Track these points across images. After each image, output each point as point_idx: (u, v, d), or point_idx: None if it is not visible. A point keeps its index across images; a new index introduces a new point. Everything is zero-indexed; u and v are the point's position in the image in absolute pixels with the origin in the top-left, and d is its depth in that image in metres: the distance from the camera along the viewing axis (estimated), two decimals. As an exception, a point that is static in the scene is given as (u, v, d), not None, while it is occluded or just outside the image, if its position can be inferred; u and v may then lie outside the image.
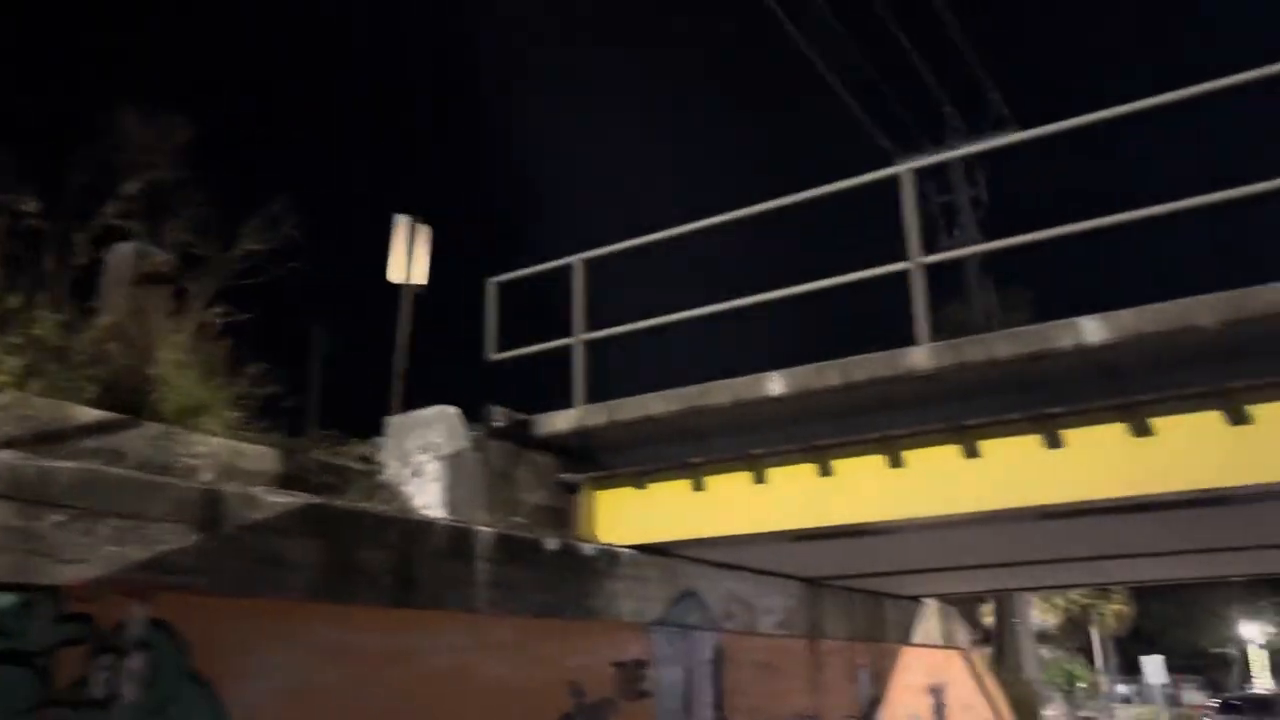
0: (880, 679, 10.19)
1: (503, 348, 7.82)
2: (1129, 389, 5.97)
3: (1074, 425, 6.10)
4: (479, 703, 5.71)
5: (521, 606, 6.19)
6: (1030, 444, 6.23)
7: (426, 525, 5.52)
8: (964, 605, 21.65)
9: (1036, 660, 22.37)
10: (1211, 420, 5.74)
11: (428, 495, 6.03)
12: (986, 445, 6.37)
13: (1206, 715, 29.11)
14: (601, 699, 6.68)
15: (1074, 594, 28.91)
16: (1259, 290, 5.42)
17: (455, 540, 5.71)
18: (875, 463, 6.72)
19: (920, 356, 6.21)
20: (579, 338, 7.45)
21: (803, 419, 6.85)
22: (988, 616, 20.75)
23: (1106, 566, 12.21)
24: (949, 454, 6.47)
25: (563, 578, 6.58)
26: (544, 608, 6.38)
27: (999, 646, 19.63)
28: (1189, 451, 5.83)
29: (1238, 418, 5.66)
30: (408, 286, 7.23)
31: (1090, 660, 33.45)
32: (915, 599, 11.50)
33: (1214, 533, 8.13)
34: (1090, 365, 5.93)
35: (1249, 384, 5.59)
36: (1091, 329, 5.75)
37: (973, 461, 6.42)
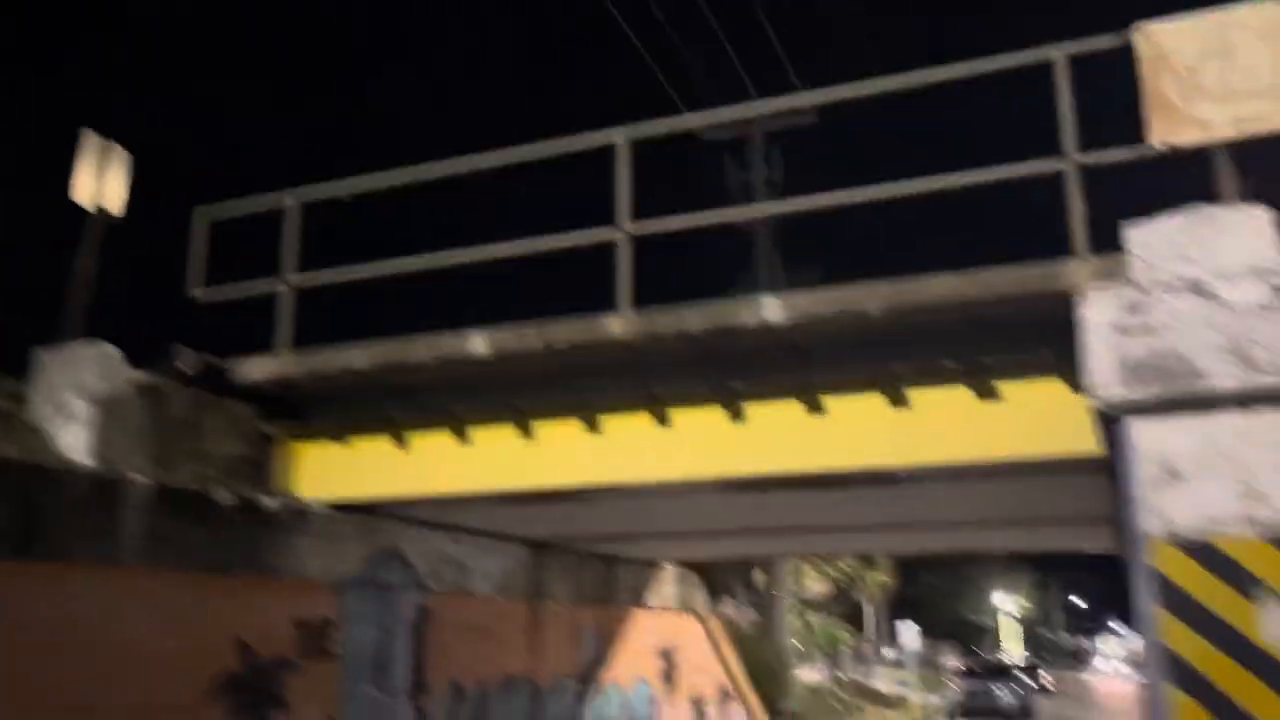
0: (606, 641, 10.35)
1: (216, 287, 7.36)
2: (807, 369, 6.18)
3: (756, 400, 6.28)
4: (118, 659, 5.37)
5: (184, 562, 5.86)
6: (716, 417, 6.38)
7: (58, 473, 5.11)
8: (740, 572, 22.53)
9: (793, 626, 23.52)
10: (876, 403, 6.02)
11: (74, 440, 5.60)
12: (678, 415, 6.47)
13: (954, 678, 31.51)
14: (277, 659, 6.43)
15: (843, 564, 30.55)
16: (925, 281, 5.69)
17: (97, 490, 5.32)
18: (575, 428, 6.72)
19: (617, 324, 6.23)
20: (286, 280, 7.10)
21: (506, 380, 6.77)
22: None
23: (848, 537, 12.90)
24: (643, 423, 6.54)
25: (238, 533, 6.27)
26: (213, 564, 6.06)
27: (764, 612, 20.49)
28: (857, 431, 6.10)
29: (898, 401, 5.95)
30: (94, 211, 6.68)
31: (859, 626, 35.52)
32: (652, 563, 11.74)
33: (904, 509, 8.65)
34: (773, 343, 6.10)
35: (911, 369, 5.88)
36: (772, 308, 5.90)
37: (665, 431, 6.51)
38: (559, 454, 6.75)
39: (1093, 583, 71.52)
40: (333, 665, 6.82)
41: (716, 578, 18.78)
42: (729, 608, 19.83)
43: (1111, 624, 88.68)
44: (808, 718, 20.15)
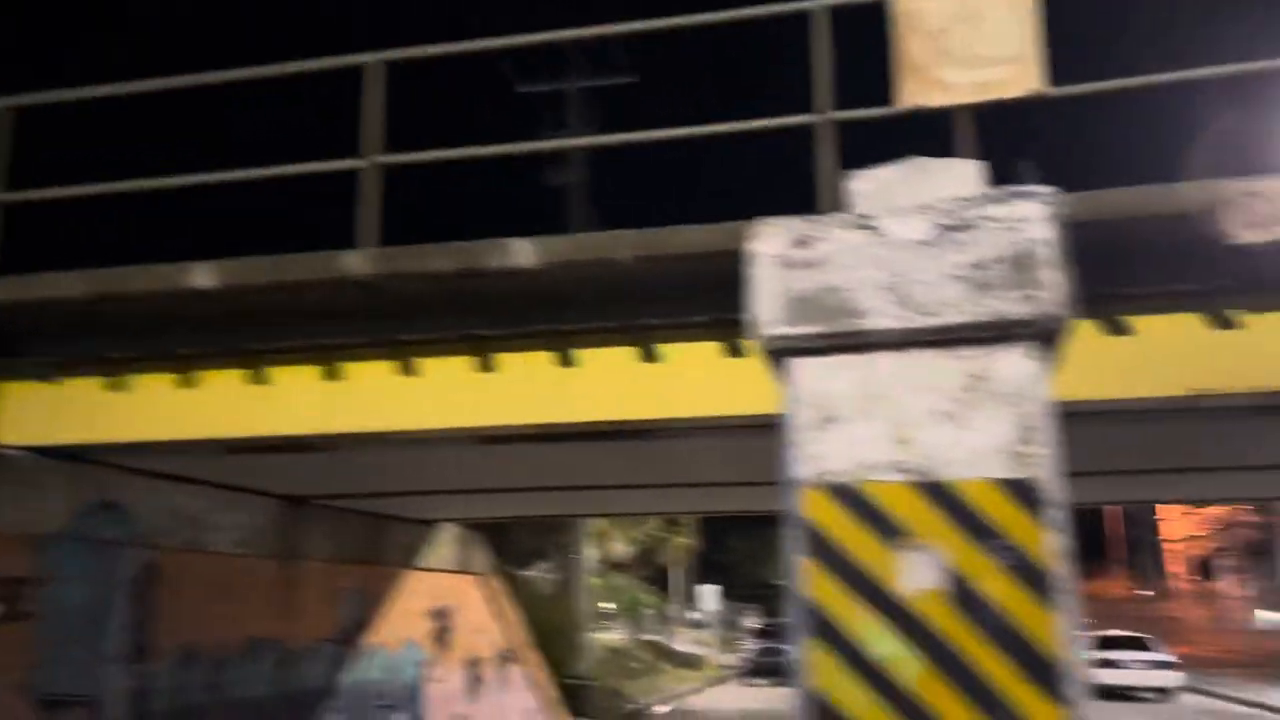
0: (371, 602, 9.91)
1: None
2: (560, 318, 5.93)
3: (507, 349, 5.99)
4: None
5: None
6: (464, 365, 6.05)
7: None
8: (550, 534, 22.37)
9: (595, 589, 23.66)
10: (628, 355, 5.84)
11: None
12: (425, 364, 6.11)
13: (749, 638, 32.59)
14: (-46, 620, 5.72)
15: (648, 528, 30.97)
16: (677, 230, 5.52)
17: None
18: (311, 373, 6.25)
19: (357, 261, 5.78)
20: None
21: (236, 319, 6.20)
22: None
23: (627, 496, 12.87)
24: (387, 370, 6.14)
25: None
26: None
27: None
28: (609, 384, 5.91)
29: (649, 355, 5.79)
30: None
31: (664, 589, 36.18)
32: (429, 523, 11.36)
33: (676, 468, 8.61)
34: (524, 289, 5.81)
35: (662, 322, 5.73)
36: (523, 251, 5.60)
37: (411, 380, 6.13)
38: (294, 401, 6.26)
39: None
40: (24, 627, 6.12)
41: (521, 540, 18.60)
42: (535, 570, 19.69)
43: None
44: (602, 679, 20.27)
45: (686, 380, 5.81)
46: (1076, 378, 5.28)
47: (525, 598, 16.01)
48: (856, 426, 2.46)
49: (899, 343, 2.48)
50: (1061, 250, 2.43)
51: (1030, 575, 2.33)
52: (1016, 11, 5.35)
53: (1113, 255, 5.10)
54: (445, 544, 11.59)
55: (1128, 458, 7.80)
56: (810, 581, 2.41)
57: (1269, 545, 32.13)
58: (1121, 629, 30.75)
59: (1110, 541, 53.77)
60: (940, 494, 2.40)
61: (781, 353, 2.57)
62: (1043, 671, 2.27)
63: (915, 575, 2.36)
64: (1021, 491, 2.37)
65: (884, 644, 2.33)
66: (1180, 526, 47.48)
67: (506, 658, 12.77)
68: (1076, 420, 5.89)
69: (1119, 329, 5.21)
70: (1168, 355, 5.13)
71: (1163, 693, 24.96)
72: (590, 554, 24.03)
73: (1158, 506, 46.90)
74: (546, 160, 22.87)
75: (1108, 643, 25.92)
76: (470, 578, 12.02)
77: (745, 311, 2.60)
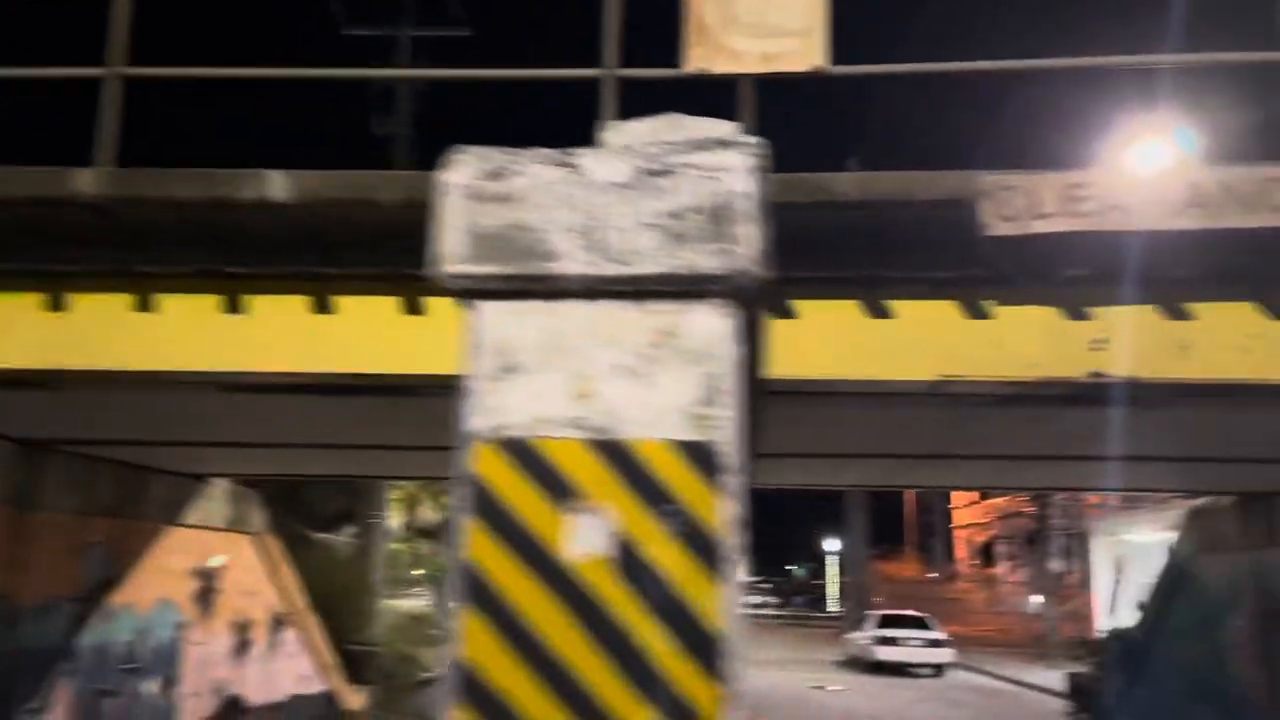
0: (123, 559, 9.18)
1: None
2: (320, 260, 5.54)
3: (258, 290, 5.55)
4: None
5: None
6: (210, 305, 5.57)
7: None
8: (354, 497, 21.53)
9: (400, 555, 23.05)
10: (389, 305, 5.52)
11: None
12: (165, 300, 5.59)
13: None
14: None
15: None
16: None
17: None
18: (32, 301, 5.62)
19: (88, 180, 5.21)
20: None
21: (-55, 236, 5.51)
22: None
23: (425, 459, 12.47)
24: (122, 304, 5.59)
25: None
26: None
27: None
28: (369, 334, 5.57)
29: (413, 306, 5.49)
30: None
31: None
32: (198, 477, 10.65)
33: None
34: (281, 226, 5.38)
35: (412, 272, 5.42)
36: (278, 183, 5.18)
37: (149, 316, 5.60)
38: (12, 330, 5.62)
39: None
40: None
41: (324, 502, 17.82)
42: (339, 534, 18.93)
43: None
44: (394, 646, 19.77)
45: (455, 335, 5.54)
46: (836, 357, 5.34)
47: (319, 561, 15.36)
48: (538, 378, 2.26)
49: (588, 291, 2.29)
50: (763, 205, 2.29)
51: (699, 544, 2.19)
52: (808, -15, 5.29)
53: (879, 238, 5.15)
54: (215, 500, 10.90)
55: (881, 442, 8.03)
56: (472, 543, 2.21)
57: (1042, 535, 34.65)
58: (909, 609, 32.54)
59: (907, 526, 56.87)
60: (616, 454, 2.23)
61: (465, 294, 2.34)
62: (704, 647, 2.14)
63: (582, 540, 2.19)
64: (699, 455, 2.23)
65: (543, 614, 2.15)
66: (968, 514, 50.62)
67: (281, 621, 12.18)
68: (838, 401, 6.03)
69: (879, 312, 5.26)
70: (923, 340, 5.22)
71: (938, 669, 26.54)
72: (397, 520, 23.41)
73: (952, 495, 49.90)
74: (374, 108, 21.93)
75: (889, 621, 27.34)
76: (243, 537, 11.36)
77: (429, 248, 2.36)
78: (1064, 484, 16.27)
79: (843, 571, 56.14)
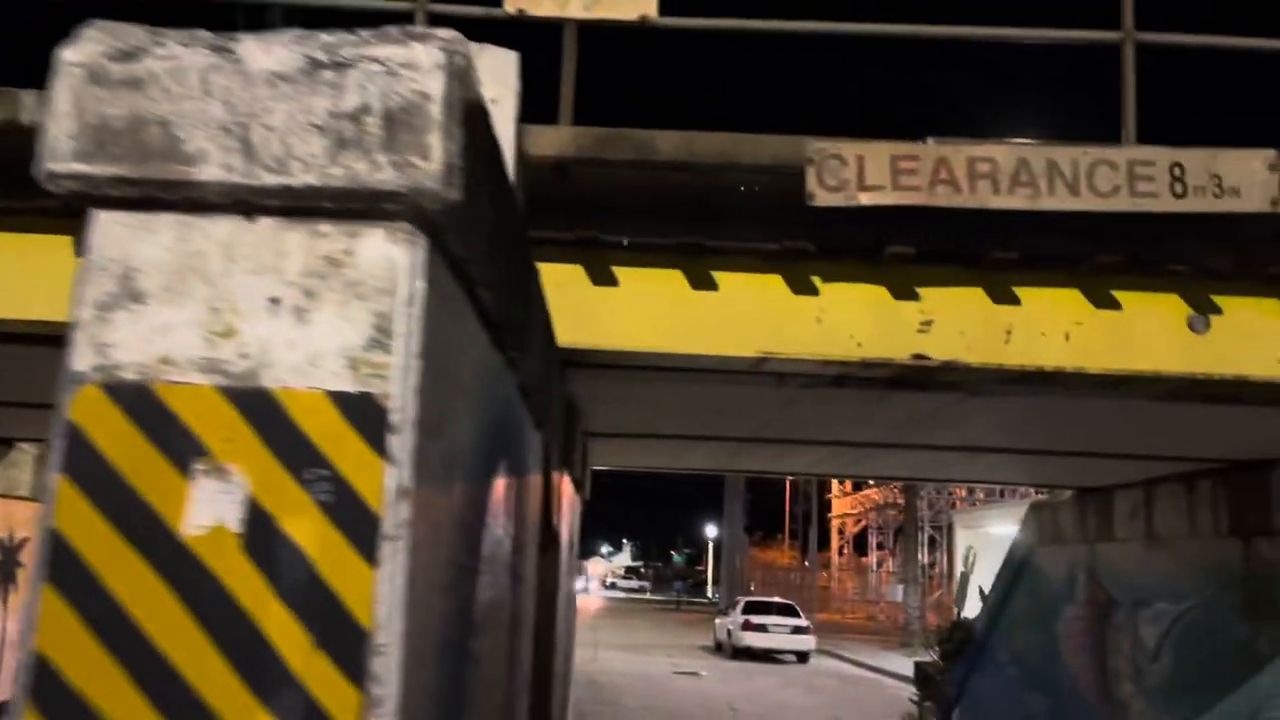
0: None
1: None
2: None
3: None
4: None
5: None
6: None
7: None
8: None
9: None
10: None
11: None
12: None
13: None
14: None
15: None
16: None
17: None
18: None
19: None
20: None
21: None
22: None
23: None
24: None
25: None
26: None
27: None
28: None
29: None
30: None
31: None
32: (5, 442, 9.77)
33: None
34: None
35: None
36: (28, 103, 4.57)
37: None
38: None
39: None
40: None
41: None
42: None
43: (601, 547, 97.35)
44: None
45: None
46: (657, 329, 5.01)
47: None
48: (166, 310, 1.83)
49: (236, 204, 1.87)
50: (460, 112, 1.90)
51: (352, 519, 1.80)
52: (640, -72, 4.92)
53: (704, 204, 4.83)
54: (23, 467, 10.02)
55: (714, 424, 7.77)
56: (60, 508, 1.76)
57: (910, 526, 35.49)
58: (783, 596, 32.88)
59: (785, 515, 57.73)
60: (257, 405, 1.82)
61: (76, 199, 1.89)
62: (348, 643, 1.75)
63: (204, 510, 1.77)
64: (361, 411, 1.83)
65: (146, 599, 1.73)
66: (842, 505, 51.65)
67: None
68: (665, 378, 5.72)
69: (703, 282, 4.96)
70: (747, 315, 4.93)
71: (803, 656, 26.87)
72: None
73: (831, 484, 50.82)
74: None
75: (756, 608, 27.54)
76: (53, 508, 10.48)
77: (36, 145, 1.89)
78: (904, 474, 16.47)
79: (719, 559, 56.71)
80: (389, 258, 1.90)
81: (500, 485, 3.11)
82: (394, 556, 1.82)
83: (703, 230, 4.86)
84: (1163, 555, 8.86)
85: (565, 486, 6.32)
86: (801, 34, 5.00)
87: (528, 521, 4.03)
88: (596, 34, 4.92)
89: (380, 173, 1.87)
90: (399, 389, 1.86)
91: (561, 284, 4.86)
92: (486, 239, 2.35)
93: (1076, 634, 9.84)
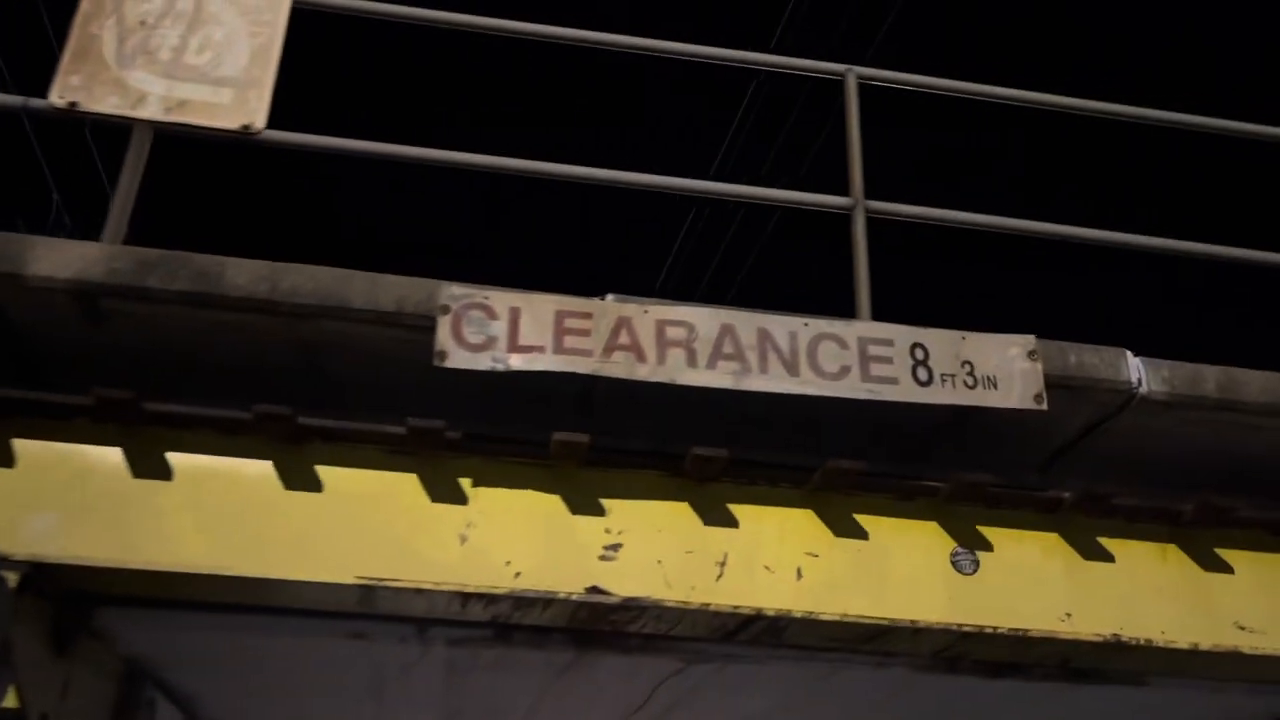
0: None
1: None
2: None
3: None
4: None
5: None
6: None
7: None
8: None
9: None
10: None
11: None
12: None
13: None
14: None
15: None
16: None
17: None
18: None
19: None
20: None
21: None
22: None
23: None
24: None
25: None
26: None
27: None
28: None
29: None
30: None
31: None
32: None
33: None
34: None
35: None
36: None
37: None
38: None
39: None
40: None
41: None
42: None
43: None
44: None
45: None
46: (232, 544, 3.47)
47: None
48: None
49: None
50: None
51: None
52: (261, 31, 3.90)
53: (313, 364, 3.50)
54: None
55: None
56: None
57: None
58: None
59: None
60: None
61: None
62: None
63: None
64: None
65: None
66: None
67: None
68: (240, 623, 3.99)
69: (303, 479, 3.51)
70: (352, 525, 3.48)
71: None
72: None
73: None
74: None
75: None
76: None
77: None
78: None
79: None
80: None
81: None
82: None
83: (306, 401, 3.49)
84: None
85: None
86: (454, 165, 3.93)
87: None
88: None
89: None
90: None
91: (87, 472, 3.34)
92: None
93: None
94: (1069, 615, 3.75)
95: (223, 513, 3.39)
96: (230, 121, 3.64)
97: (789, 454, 3.71)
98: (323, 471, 3.50)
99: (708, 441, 3.56)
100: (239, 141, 3.64)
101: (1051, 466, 4.16)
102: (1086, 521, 3.89)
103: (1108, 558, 3.89)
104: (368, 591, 3.32)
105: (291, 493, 3.47)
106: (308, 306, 3.29)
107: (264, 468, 3.48)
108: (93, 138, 11.25)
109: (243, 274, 3.28)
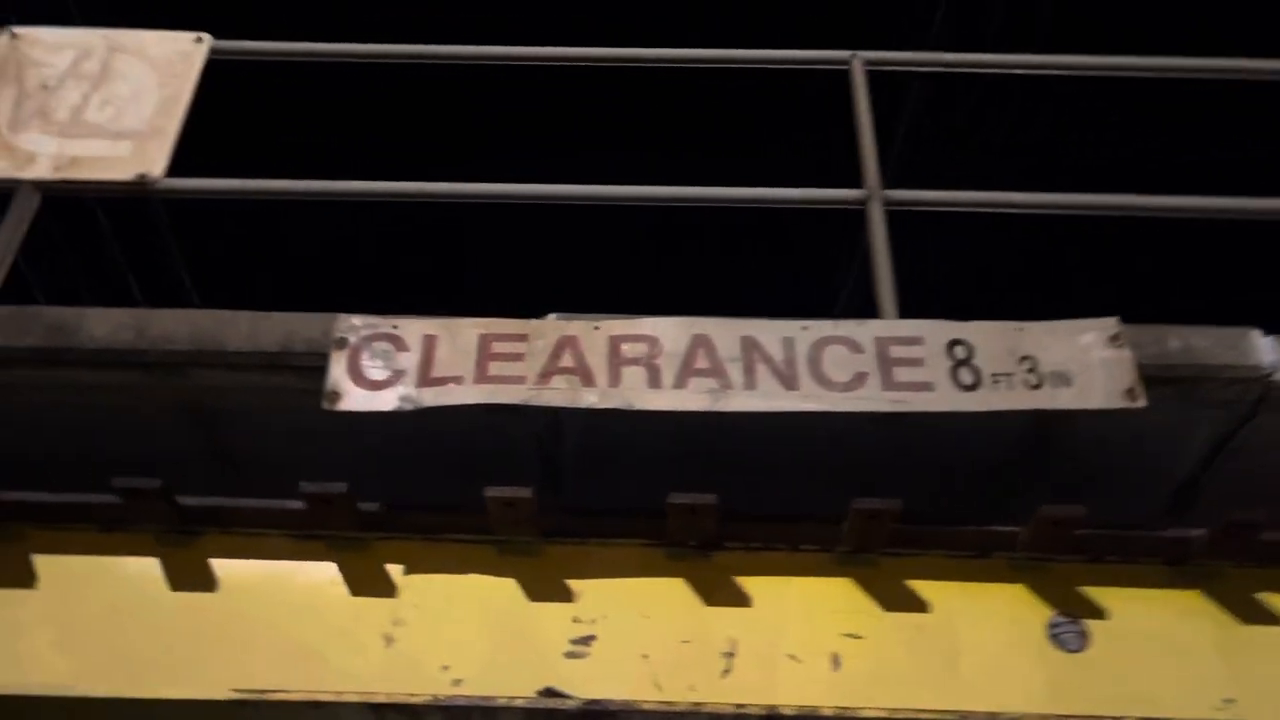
0: None
1: None
2: None
3: None
4: None
5: None
6: None
7: None
8: None
9: None
10: None
11: None
12: None
13: None
14: None
15: None
16: None
17: None
18: None
19: None
20: None
21: None
22: None
23: None
24: None
25: None
26: None
27: None
28: None
29: None
30: None
31: None
32: None
33: None
34: None
35: None
36: None
37: None
38: None
39: None
40: None
41: None
42: None
43: None
44: None
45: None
46: (109, 658, 2.77)
47: None
48: None
49: None
50: None
51: None
52: (171, 82, 3.52)
53: (209, 433, 2.88)
54: None
55: None
56: None
57: None
58: None
59: None
60: None
61: None
62: None
63: None
64: None
65: None
66: None
67: None
68: None
69: (193, 577, 2.82)
70: (257, 626, 2.75)
71: None
72: None
73: None
74: None
75: None
76: None
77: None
78: None
79: None
80: None
81: None
82: None
83: (198, 480, 2.84)
84: None
85: None
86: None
87: None
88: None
89: None
90: None
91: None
92: None
93: None
94: (1230, 701, 2.66)
95: (90, 625, 2.72)
96: (124, 173, 3.20)
97: (808, 498, 2.84)
98: (217, 566, 2.81)
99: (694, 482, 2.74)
100: (132, 195, 3.19)
101: (1177, 501, 3.12)
102: (1236, 571, 2.84)
103: (1275, 619, 2.81)
104: (242, 708, 2.55)
105: (178, 594, 2.78)
106: (178, 354, 2.69)
107: (145, 566, 2.81)
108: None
109: (104, 323, 2.72)
